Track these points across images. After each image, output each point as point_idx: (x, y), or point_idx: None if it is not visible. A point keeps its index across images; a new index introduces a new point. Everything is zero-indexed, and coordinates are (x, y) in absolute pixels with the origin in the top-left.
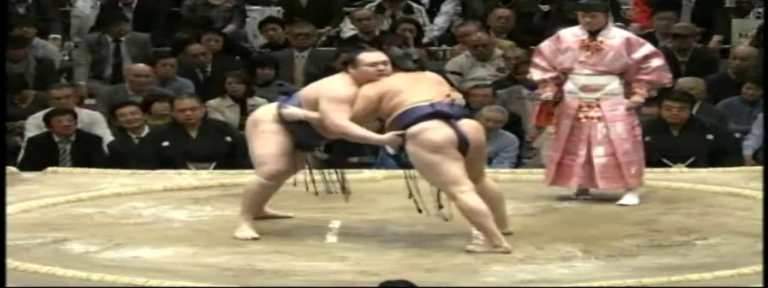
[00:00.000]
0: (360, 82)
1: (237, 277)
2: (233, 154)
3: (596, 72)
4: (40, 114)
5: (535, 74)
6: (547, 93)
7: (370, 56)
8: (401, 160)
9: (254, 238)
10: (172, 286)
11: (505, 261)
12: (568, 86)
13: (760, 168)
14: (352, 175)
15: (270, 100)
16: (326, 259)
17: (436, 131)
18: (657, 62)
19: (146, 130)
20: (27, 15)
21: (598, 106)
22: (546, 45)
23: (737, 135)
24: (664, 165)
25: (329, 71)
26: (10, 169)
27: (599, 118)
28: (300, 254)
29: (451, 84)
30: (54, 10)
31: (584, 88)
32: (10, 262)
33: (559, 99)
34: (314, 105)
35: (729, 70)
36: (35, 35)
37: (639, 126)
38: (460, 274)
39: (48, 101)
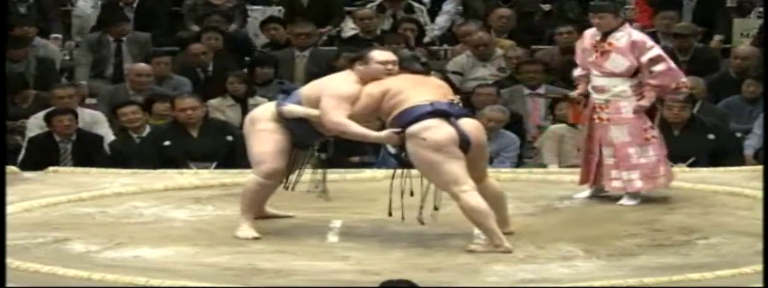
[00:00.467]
0: (365, 80)
1: (238, 276)
2: (234, 153)
3: (604, 74)
4: (42, 114)
5: (575, 71)
6: (577, 91)
7: (382, 54)
8: (402, 160)
9: (255, 238)
10: (173, 285)
11: (507, 260)
12: (589, 87)
13: (761, 167)
14: (352, 174)
15: (271, 100)
16: (327, 259)
17: (437, 130)
18: (661, 67)
19: (147, 130)
20: (28, 14)
21: (608, 107)
22: (579, 43)
23: (738, 134)
24: None
25: (330, 71)
26: (12, 169)
27: (608, 120)
28: (301, 254)
29: (454, 87)
30: (55, 9)
31: (595, 89)
32: (11, 262)
33: (584, 97)
34: (315, 103)
35: (730, 70)
36: (36, 35)
37: (653, 129)
38: (461, 273)
39: (50, 101)
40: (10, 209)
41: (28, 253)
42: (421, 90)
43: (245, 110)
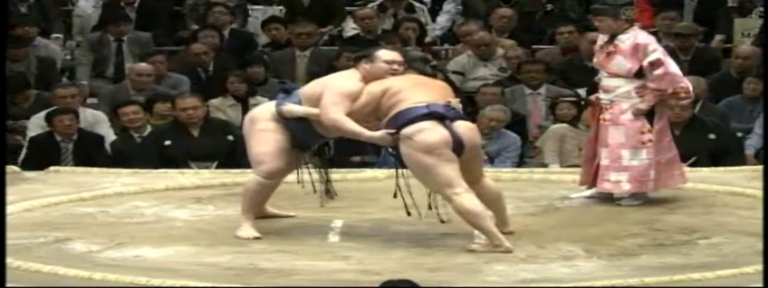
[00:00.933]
0: (368, 79)
1: (239, 276)
2: (235, 153)
3: (609, 74)
4: (43, 113)
5: (599, 74)
6: (597, 94)
7: (389, 54)
8: (403, 160)
9: (256, 238)
10: (174, 285)
11: (507, 260)
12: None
13: (761, 167)
14: (353, 174)
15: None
16: (328, 259)
17: (430, 132)
18: (659, 71)
19: (148, 130)
20: (29, 14)
21: (611, 108)
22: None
23: (739, 134)
24: None
25: (331, 70)
26: (13, 169)
27: (610, 120)
28: (302, 253)
29: (454, 88)
30: (56, 9)
31: (603, 89)
32: (12, 262)
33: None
34: (316, 102)
35: (731, 70)
36: (37, 34)
37: (651, 132)
38: (462, 273)
39: (52, 100)
40: (11, 209)
41: (29, 253)
42: (420, 91)
43: (246, 110)
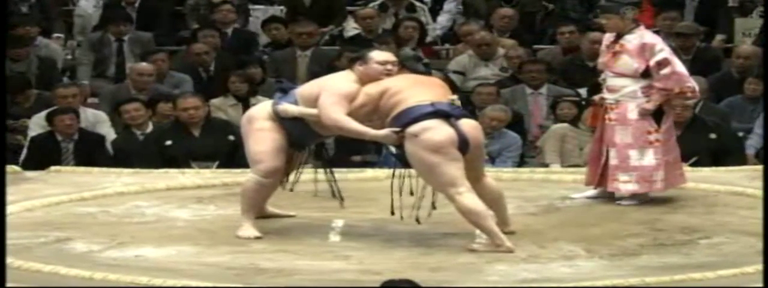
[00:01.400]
0: (364, 80)
1: (240, 276)
2: (236, 153)
3: (614, 74)
4: (44, 113)
5: (601, 75)
6: (599, 94)
7: (381, 55)
8: (404, 159)
9: (257, 237)
10: (175, 285)
11: (508, 260)
12: (604, 87)
13: (762, 167)
14: (354, 174)
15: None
16: (329, 258)
17: (437, 131)
18: (666, 70)
19: (150, 127)
20: (30, 14)
21: (617, 108)
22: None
23: (740, 134)
24: None
25: (332, 70)
26: (13, 168)
27: (616, 120)
28: (303, 253)
29: (455, 87)
30: (57, 9)
31: (608, 89)
32: (13, 262)
33: (602, 100)
34: (313, 102)
35: (732, 69)
36: (38, 34)
37: (658, 132)
38: (463, 273)
39: (53, 100)
40: (11, 209)
41: (30, 253)
42: (420, 89)
43: (247, 110)
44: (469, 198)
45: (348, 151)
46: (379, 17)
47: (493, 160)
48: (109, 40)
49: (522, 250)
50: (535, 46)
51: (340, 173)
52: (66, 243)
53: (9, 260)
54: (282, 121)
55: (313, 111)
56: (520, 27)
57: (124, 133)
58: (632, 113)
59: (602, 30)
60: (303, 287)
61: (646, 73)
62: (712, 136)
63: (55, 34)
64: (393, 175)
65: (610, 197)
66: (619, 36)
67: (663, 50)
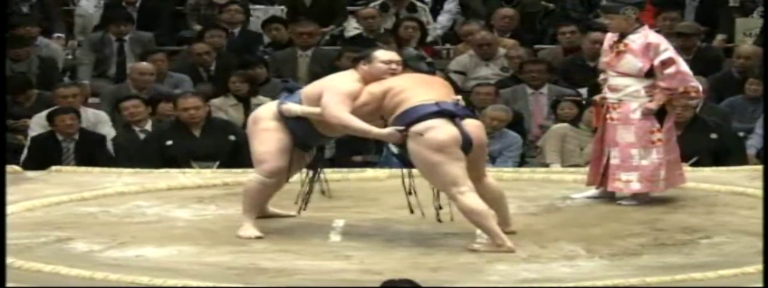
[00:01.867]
0: (368, 79)
1: (241, 276)
2: (237, 153)
3: (618, 74)
4: (44, 113)
5: (601, 75)
6: (600, 95)
7: (386, 54)
8: (405, 159)
9: (258, 237)
10: (175, 285)
11: (509, 260)
12: (605, 87)
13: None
14: (355, 173)
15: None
16: (330, 258)
17: (441, 130)
18: (671, 69)
19: (150, 124)
20: (30, 14)
21: (619, 107)
22: (602, 46)
23: (741, 134)
24: None
25: (333, 70)
26: (14, 168)
27: (618, 120)
28: (304, 253)
29: (456, 87)
30: (57, 8)
31: (610, 89)
32: (14, 261)
33: (606, 100)
34: (316, 102)
35: (733, 69)
36: (39, 34)
37: (660, 131)
38: (463, 273)
39: (54, 100)
40: (12, 209)
41: (31, 253)
42: (424, 89)
43: (248, 109)
44: (471, 198)
45: (349, 151)
46: (380, 17)
47: (493, 160)
48: (110, 40)
49: (523, 250)
50: (536, 46)
51: (341, 173)
52: (67, 243)
53: (9, 260)
54: (286, 120)
55: (316, 110)
56: (521, 27)
57: (125, 131)
58: (635, 113)
59: (603, 30)
60: (304, 287)
61: (649, 73)
62: (713, 136)
63: (56, 34)
64: (402, 175)
65: (610, 197)
66: (622, 36)
67: (668, 50)
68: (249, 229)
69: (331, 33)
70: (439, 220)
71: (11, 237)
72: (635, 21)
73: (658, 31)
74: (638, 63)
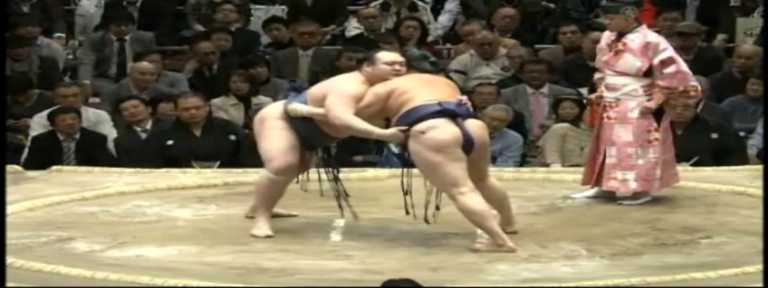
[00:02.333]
0: (372, 81)
1: (241, 275)
2: (237, 152)
3: (616, 73)
4: (45, 113)
5: (596, 74)
6: (595, 94)
7: (389, 55)
8: (406, 159)
9: (268, 236)
10: (176, 285)
11: (510, 260)
12: (602, 85)
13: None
14: (356, 173)
15: (274, 99)
16: (331, 258)
17: (442, 130)
18: (671, 69)
19: (150, 123)
20: (31, 13)
21: (617, 106)
22: (599, 46)
23: (742, 134)
24: None
25: (334, 70)
26: (15, 168)
27: (615, 119)
28: (304, 253)
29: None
30: (58, 8)
31: (607, 88)
32: (14, 261)
33: (601, 99)
34: (321, 103)
35: (733, 69)
36: (39, 34)
37: (658, 131)
38: (464, 272)
39: (55, 100)
40: (13, 208)
41: (32, 253)
42: (427, 89)
43: (249, 109)
44: (472, 198)
45: (349, 151)
46: (381, 17)
47: (494, 159)
48: (111, 39)
49: (523, 250)
50: (537, 46)
51: (342, 173)
52: (67, 243)
53: (10, 260)
54: (292, 120)
55: (321, 111)
56: (522, 27)
57: (126, 132)
58: (633, 112)
59: (604, 30)
60: (304, 287)
61: (647, 72)
62: (714, 135)
63: (57, 34)
64: (402, 174)
65: (610, 197)
66: (620, 35)
67: (667, 49)
68: (262, 229)
69: (332, 33)
70: (427, 221)
71: (12, 237)
72: (634, 20)
73: (658, 31)
74: (637, 62)
